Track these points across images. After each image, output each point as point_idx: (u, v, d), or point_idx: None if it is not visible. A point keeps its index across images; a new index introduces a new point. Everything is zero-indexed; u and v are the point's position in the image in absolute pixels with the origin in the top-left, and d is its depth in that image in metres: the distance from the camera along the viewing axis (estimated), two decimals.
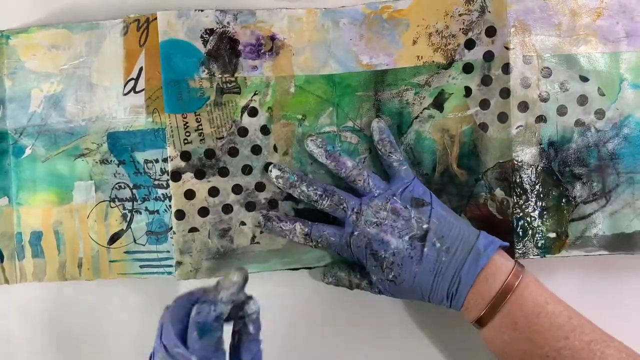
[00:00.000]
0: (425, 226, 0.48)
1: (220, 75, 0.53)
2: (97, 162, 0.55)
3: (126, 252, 0.55)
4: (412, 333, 0.56)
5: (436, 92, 0.53)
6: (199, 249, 0.53)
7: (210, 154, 0.53)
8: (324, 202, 0.50)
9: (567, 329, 0.45)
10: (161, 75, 0.52)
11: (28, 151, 0.55)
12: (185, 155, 0.53)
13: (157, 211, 0.54)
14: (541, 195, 0.52)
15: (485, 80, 0.52)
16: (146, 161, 0.54)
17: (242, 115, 0.53)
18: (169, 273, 0.54)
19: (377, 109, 0.54)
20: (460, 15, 0.52)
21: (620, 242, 0.52)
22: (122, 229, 0.55)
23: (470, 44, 0.52)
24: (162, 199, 0.54)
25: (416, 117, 0.53)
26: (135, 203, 0.55)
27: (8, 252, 0.56)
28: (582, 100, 0.52)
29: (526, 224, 0.51)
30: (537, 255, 0.52)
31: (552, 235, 0.52)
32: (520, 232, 0.51)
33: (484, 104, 0.52)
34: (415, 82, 0.53)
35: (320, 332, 0.56)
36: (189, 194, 0.53)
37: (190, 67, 0.52)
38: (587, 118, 0.52)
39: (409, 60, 0.53)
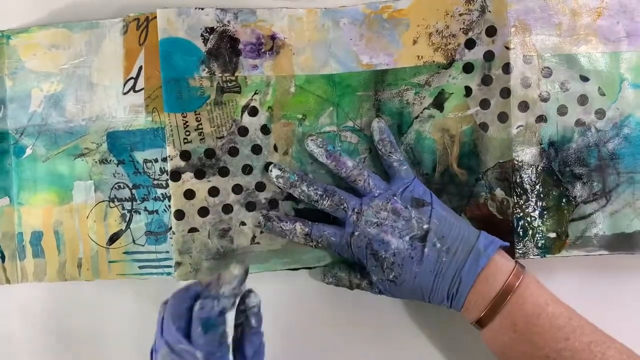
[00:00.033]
0: (425, 226, 0.48)
1: (220, 74, 0.53)
2: (96, 162, 0.55)
3: (125, 253, 0.55)
4: (412, 333, 0.56)
5: (436, 92, 0.53)
6: (198, 249, 0.53)
7: (210, 153, 0.53)
8: (325, 202, 0.50)
9: (567, 330, 0.45)
10: (160, 74, 0.52)
11: (29, 151, 0.55)
12: (185, 155, 0.53)
13: (157, 211, 0.54)
14: (541, 195, 0.52)
15: (486, 80, 0.52)
16: (145, 161, 0.54)
17: (242, 114, 0.53)
18: (168, 274, 0.54)
19: (377, 109, 0.54)
20: (460, 14, 0.52)
21: (621, 242, 0.51)
22: (122, 229, 0.55)
23: (470, 44, 0.52)
24: (162, 198, 0.54)
25: (416, 117, 0.53)
26: (134, 203, 0.55)
27: (9, 252, 0.56)
28: (583, 100, 0.51)
29: (526, 224, 0.51)
30: (538, 255, 0.52)
31: (553, 235, 0.52)
32: (521, 232, 0.51)
33: (484, 104, 0.52)
34: (415, 82, 0.53)
35: (320, 332, 0.56)
36: (189, 194, 0.53)
37: (190, 65, 0.52)
38: (587, 118, 0.52)
39: (409, 60, 0.53)
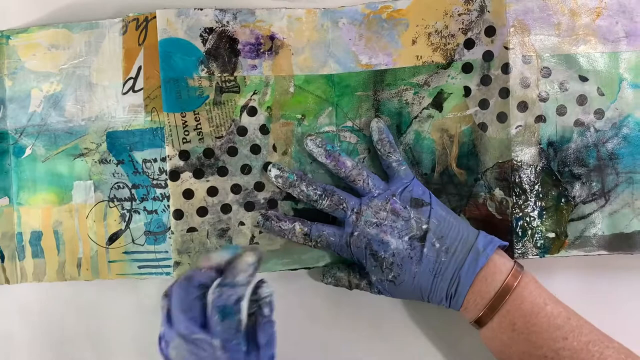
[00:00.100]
0: (424, 226, 0.48)
1: (219, 75, 0.53)
2: (96, 162, 0.55)
3: (125, 253, 0.55)
4: (412, 333, 0.56)
5: (435, 92, 0.53)
6: (197, 249, 0.53)
7: (209, 153, 0.53)
8: (324, 202, 0.50)
9: (565, 330, 0.45)
10: (160, 74, 0.52)
11: (28, 151, 0.55)
12: (183, 155, 0.53)
13: (156, 211, 0.54)
14: (540, 195, 0.52)
15: (485, 80, 0.52)
16: (145, 161, 0.54)
17: (241, 114, 0.53)
18: (167, 273, 0.54)
19: (376, 109, 0.54)
20: (459, 15, 0.52)
21: (620, 242, 0.51)
22: (121, 229, 0.55)
23: (469, 44, 0.52)
24: (161, 198, 0.54)
25: (415, 117, 0.53)
26: (133, 203, 0.55)
27: (9, 252, 0.56)
28: (582, 100, 0.51)
29: (525, 224, 0.51)
30: (537, 255, 0.52)
31: (552, 235, 0.52)
32: (520, 232, 0.51)
33: (483, 104, 0.52)
34: (414, 82, 0.53)
35: (320, 332, 0.56)
36: (188, 194, 0.53)
37: (189, 66, 0.52)
38: (586, 118, 0.52)
39: (408, 60, 0.53)
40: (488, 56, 0.52)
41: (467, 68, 0.52)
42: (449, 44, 0.53)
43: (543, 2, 0.51)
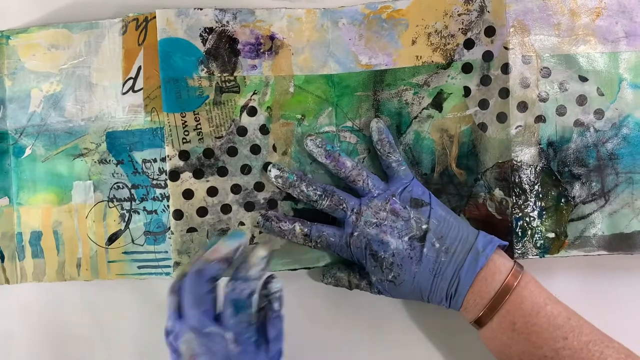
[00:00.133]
0: (424, 226, 0.48)
1: (219, 74, 0.53)
2: (95, 162, 0.55)
3: (124, 253, 0.55)
4: (412, 333, 0.56)
5: (435, 92, 0.53)
6: (197, 250, 0.53)
7: (209, 153, 0.53)
8: (324, 202, 0.50)
9: (565, 330, 0.45)
10: (159, 74, 0.52)
11: (28, 151, 0.55)
12: (183, 155, 0.53)
13: (155, 211, 0.54)
14: (540, 196, 0.52)
15: (485, 80, 0.52)
16: (144, 161, 0.54)
17: (241, 114, 0.53)
18: (167, 274, 0.54)
19: (376, 109, 0.54)
20: (459, 15, 0.52)
21: (620, 242, 0.51)
22: (121, 229, 0.55)
23: (469, 44, 0.52)
24: (160, 198, 0.54)
25: (415, 117, 0.53)
26: (133, 203, 0.55)
27: (9, 252, 0.56)
28: (582, 100, 0.51)
29: (525, 224, 0.51)
30: (536, 255, 0.52)
31: (551, 235, 0.52)
32: (520, 232, 0.51)
33: (483, 104, 0.52)
34: (414, 82, 0.53)
35: (320, 332, 0.56)
36: (188, 194, 0.53)
37: (189, 65, 0.52)
38: (586, 118, 0.52)
39: (408, 60, 0.53)
40: (488, 56, 0.52)
41: (467, 68, 0.52)
42: (448, 44, 0.53)
43: (543, 2, 0.51)
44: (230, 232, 0.44)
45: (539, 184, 0.52)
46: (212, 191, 0.53)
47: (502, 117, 0.51)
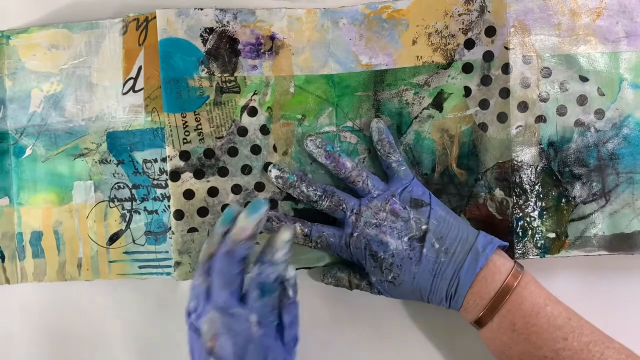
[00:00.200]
0: (424, 227, 0.48)
1: (219, 75, 0.53)
2: (96, 162, 0.55)
3: (125, 253, 0.55)
4: (412, 333, 0.56)
5: (435, 92, 0.53)
6: (198, 250, 0.53)
7: (209, 153, 0.53)
8: (324, 202, 0.50)
9: (566, 330, 0.45)
10: (160, 74, 0.52)
11: (28, 151, 0.55)
12: (184, 155, 0.53)
13: (156, 211, 0.54)
14: (541, 196, 0.52)
15: (485, 80, 0.52)
16: (145, 161, 0.54)
17: (241, 114, 0.53)
18: (168, 274, 0.54)
19: (376, 109, 0.54)
20: (459, 15, 0.52)
21: (620, 242, 0.51)
22: (121, 229, 0.55)
23: (469, 44, 0.52)
24: (161, 199, 0.54)
25: (415, 117, 0.53)
26: (134, 203, 0.55)
27: (9, 252, 0.56)
28: (582, 100, 0.51)
29: (526, 224, 0.51)
30: (537, 255, 0.52)
31: (552, 235, 0.52)
32: (520, 232, 0.51)
33: (484, 104, 0.52)
34: (414, 82, 0.53)
35: (320, 332, 0.56)
36: (188, 194, 0.53)
37: (189, 66, 0.52)
38: (586, 118, 0.52)
39: (409, 60, 0.53)
40: (488, 56, 0.52)
41: (468, 68, 0.52)
42: (449, 44, 0.53)
43: (543, 2, 0.51)
44: (251, 203, 0.44)
45: (539, 184, 0.51)
46: (212, 191, 0.53)
47: (502, 117, 0.51)
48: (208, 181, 0.53)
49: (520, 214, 0.51)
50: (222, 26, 0.53)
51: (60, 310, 0.57)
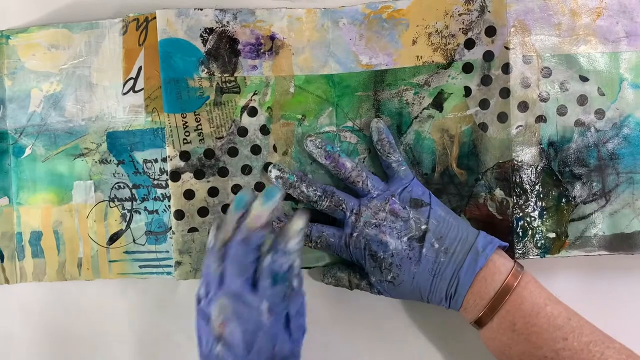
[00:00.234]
0: (423, 227, 0.48)
1: (219, 75, 0.53)
2: (96, 162, 0.55)
3: (126, 252, 0.55)
4: (412, 333, 0.56)
5: (436, 92, 0.53)
6: (198, 249, 0.53)
7: (209, 153, 0.53)
8: (323, 203, 0.50)
9: (566, 330, 0.44)
10: (160, 74, 0.52)
11: (28, 151, 0.55)
12: (184, 155, 0.53)
13: (156, 211, 0.54)
14: (541, 195, 0.52)
15: (485, 80, 0.52)
16: (145, 161, 0.54)
17: (241, 115, 0.53)
18: (169, 273, 0.54)
19: (376, 109, 0.54)
20: (459, 15, 0.52)
21: (620, 242, 0.51)
22: (122, 229, 0.55)
23: (470, 44, 0.52)
24: (161, 199, 0.54)
25: (416, 117, 0.53)
26: (134, 203, 0.55)
27: (8, 252, 0.56)
28: (582, 100, 0.51)
29: (526, 224, 0.51)
30: (537, 255, 0.52)
31: (552, 235, 0.52)
32: (520, 232, 0.51)
33: (484, 104, 0.52)
34: (414, 82, 0.53)
35: (320, 332, 0.56)
36: (188, 194, 0.53)
37: (189, 66, 0.52)
38: (587, 118, 0.52)
39: (409, 60, 0.53)
40: (488, 56, 0.52)
41: (468, 68, 0.52)
42: (449, 44, 0.53)
43: (543, 2, 0.51)
44: (265, 189, 0.43)
45: (539, 184, 0.52)
46: (213, 191, 0.53)
47: (502, 117, 0.51)
48: (208, 181, 0.53)
49: (521, 214, 0.51)
50: (222, 26, 0.53)
51: (60, 310, 0.57)
